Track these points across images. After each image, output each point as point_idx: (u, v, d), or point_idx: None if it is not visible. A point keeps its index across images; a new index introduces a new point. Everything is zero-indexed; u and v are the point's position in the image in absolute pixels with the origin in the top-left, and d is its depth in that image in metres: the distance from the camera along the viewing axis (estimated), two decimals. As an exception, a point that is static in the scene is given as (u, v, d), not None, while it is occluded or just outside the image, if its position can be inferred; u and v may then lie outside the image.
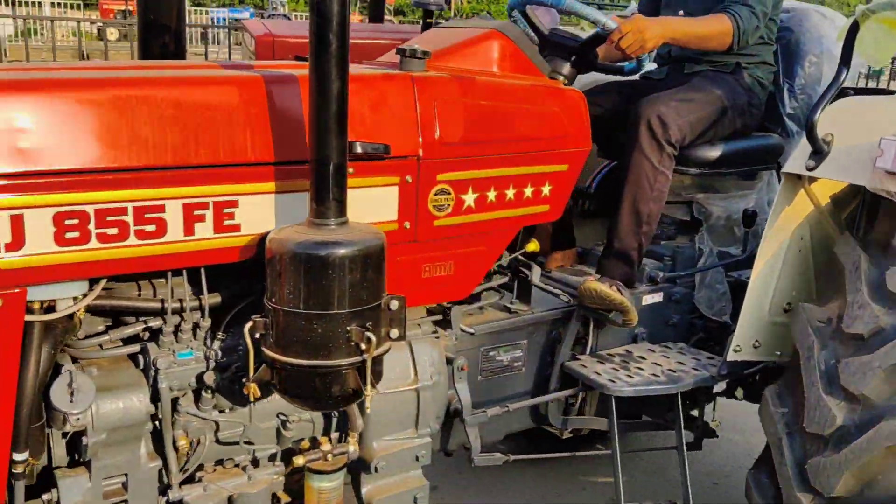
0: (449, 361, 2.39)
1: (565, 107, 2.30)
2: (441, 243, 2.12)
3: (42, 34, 16.18)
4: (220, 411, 1.99)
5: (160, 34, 2.50)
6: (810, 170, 2.40)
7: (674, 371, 2.64)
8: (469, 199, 2.12)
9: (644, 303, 2.86)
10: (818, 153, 2.39)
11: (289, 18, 18.99)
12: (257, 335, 1.75)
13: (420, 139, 1.99)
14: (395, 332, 1.78)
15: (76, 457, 1.86)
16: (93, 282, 1.74)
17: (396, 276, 2.08)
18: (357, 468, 2.24)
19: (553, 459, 3.32)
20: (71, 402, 1.68)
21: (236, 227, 1.79)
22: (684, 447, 2.66)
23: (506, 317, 2.58)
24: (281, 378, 1.75)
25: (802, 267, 2.60)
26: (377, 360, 1.74)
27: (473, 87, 2.11)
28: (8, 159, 1.53)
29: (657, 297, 2.89)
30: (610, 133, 2.79)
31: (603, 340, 2.80)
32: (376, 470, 2.24)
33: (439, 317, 2.39)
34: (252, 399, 1.81)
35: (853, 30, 2.33)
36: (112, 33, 15.97)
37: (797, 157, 2.45)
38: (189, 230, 1.73)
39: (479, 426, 2.48)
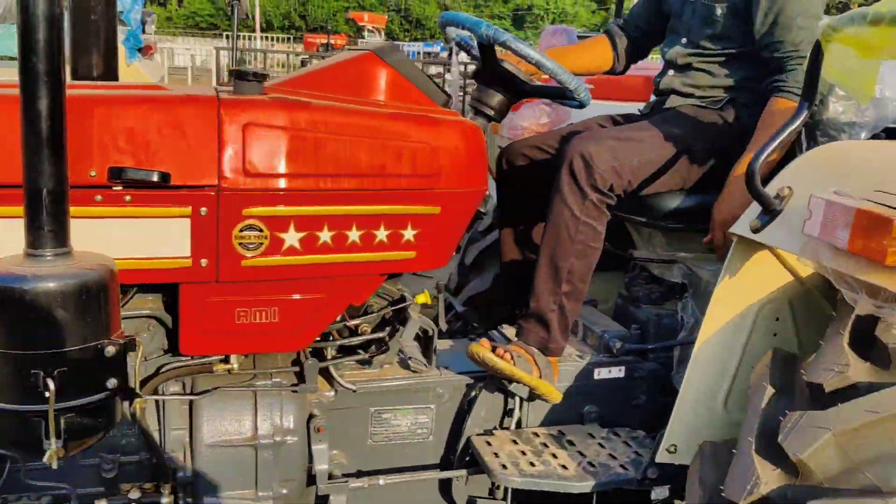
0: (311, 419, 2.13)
1: (441, 140, 1.96)
2: (255, 287, 1.87)
3: (252, 64, 17.66)
4: None
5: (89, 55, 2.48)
6: (755, 231, 1.88)
7: (594, 465, 2.17)
8: (291, 238, 1.85)
9: (596, 377, 2.41)
10: (769, 212, 1.86)
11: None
12: None
13: (220, 168, 1.77)
14: (112, 382, 1.56)
15: None
16: None
17: (203, 319, 1.87)
18: None
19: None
20: None
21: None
22: None
23: (404, 375, 2.27)
24: None
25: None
26: (71, 412, 1.53)
27: (304, 112, 1.84)
28: None
29: (616, 372, 2.42)
30: None
31: (538, 416, 2.38)
32: None
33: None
34: None
35: (815, 52, 1.80)
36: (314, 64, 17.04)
37: (748, 215, 1.93)
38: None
39: (347, 496, 2.17)
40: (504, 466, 2.13)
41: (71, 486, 1.97)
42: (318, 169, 1.85)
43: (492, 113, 2.24)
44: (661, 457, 2.06)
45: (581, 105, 2.24)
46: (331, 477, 2.13)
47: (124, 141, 1.71)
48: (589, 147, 2.12)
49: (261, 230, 1.82)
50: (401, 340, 2.22)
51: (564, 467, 2.15)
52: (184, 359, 2.01)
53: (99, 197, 1.71)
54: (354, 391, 2.17)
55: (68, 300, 1.48)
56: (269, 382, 2.08)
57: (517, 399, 2.31)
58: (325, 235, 1.88)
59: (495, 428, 2.35)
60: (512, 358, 2.12)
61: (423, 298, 2.18)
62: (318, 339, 2.09)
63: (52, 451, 1.49)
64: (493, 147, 2.96)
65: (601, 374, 2.40)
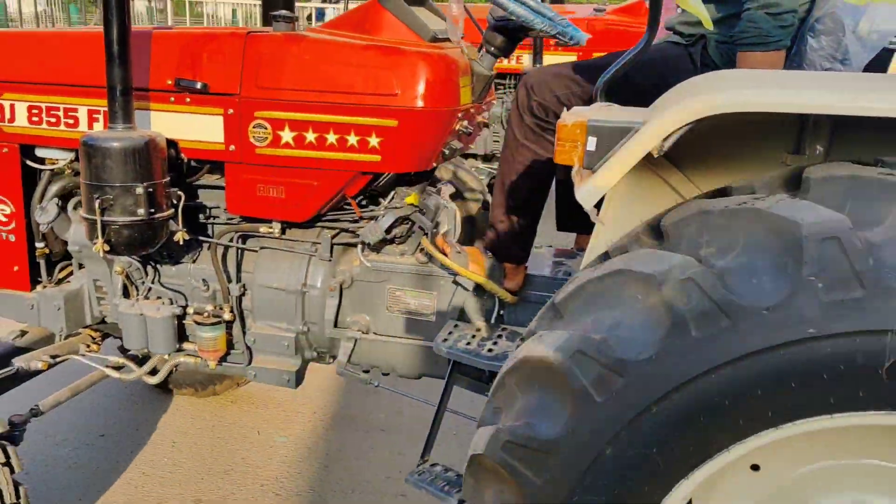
0: None
1: (401, 67, 2.49)
2: (268, 170, 2.64)
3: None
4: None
5: None
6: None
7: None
8: (286, 135, 2.58)
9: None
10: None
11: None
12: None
13: (241, 82, 2.58)
14: (142, 211, 2.48)
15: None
16: None
17: (237, 189, 2.73)
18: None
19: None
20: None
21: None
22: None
23: (413, 263, 2.82)
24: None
25: None
26: (114, 224, 2.48)
27: (302, 44, 2.55)
28: None
29: None
30: None
31: (518, 318, 2.71)
32: (254, 343, 2.90)
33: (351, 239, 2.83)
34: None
35: (652, -20, 1.90)
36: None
37: None
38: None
39: (353, 344, 2.82)
40: (444, 340, 2.57)
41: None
42: (306, 85, 2.55)
43: (496, 51, 2.66)
44: None
45: (577, 43, 2.51)
46: (344, 327, 2.82)
47: (187, 61, 2.63)
48: (533, 77, 2.41)
49: (266, 128, 2.60)
50: (425, 238, 2.78)
51: (490, 350, 2.51)
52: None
53: (172, 98, 2.66)
54: (369, 267, 2.80)
55: (121, 154, 2.45)
56: (306, 247, 2.84)
57: (496, 299, 2.69)
58: (311, 136, 2.57)
59: (485, 320, 2.76)
60: (452, 252, 2.54)
61: (411, 199, 2.71)
62: (333, 222, 2.79)
63: (98, 245, 2.49)
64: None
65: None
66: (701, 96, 1.52)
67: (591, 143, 1.57)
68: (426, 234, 2.77)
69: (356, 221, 2.81)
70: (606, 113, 1.67)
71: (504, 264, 2.60)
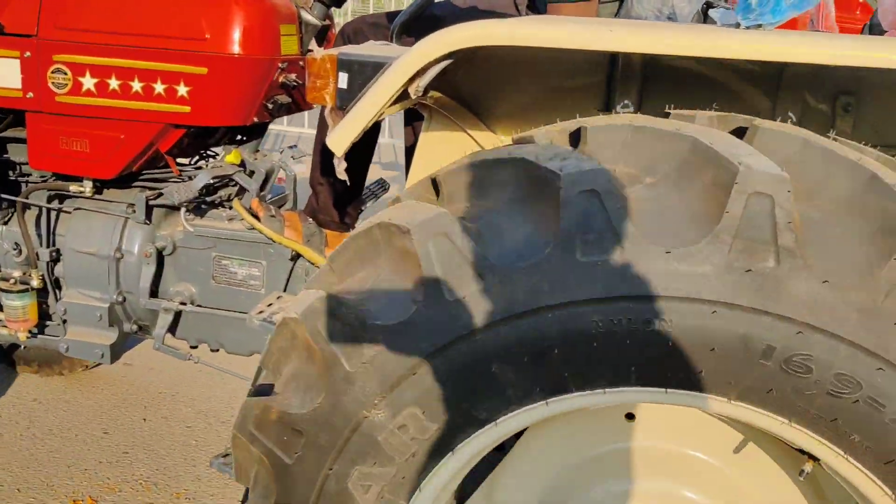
0: None
1: (210, 12, 2.27)
2: (70, 120, 2.40)
3: None
4: None
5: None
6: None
7: None
8: (88, 82, 2.34)
9: None
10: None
11: None
12: None
13: (38, 22, 2.33)
14: None
15: None
16: None
17: (38, 141, 2.47)
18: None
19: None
20: None
21: None
22: None
23: (241, 229, 2.61)
24: None
25: None
26: None
27: (105, -17, 2.32)
28: None
29: None
30: None
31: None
32: (66, 313, 2.65)
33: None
34: None
35: None
36: None
37: None
38: None
39: (173, 316, 2.60)
40: (260, 312, 2.38)
41: None
42: (108, 27, 2.31)
43: (327, 1, 2.45)
44: None
45: None
46: (167, 298, 2.60)
47: (-20, 0, 2.37)
48: (351, 27, 2.24)
49: (66, 73, 2.35)
50: (254, 199, 2.56)
51: None
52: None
53: (-34, 39, 2.40)
54: (192, 233, 2.58)
55: None
56: (122, 209, 2.60)
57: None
58: (114, 83, 2.34)
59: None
60: (265, 216, 2.34)
61: (231, 158, 2.50)
62: (151, 181, 2.56)
63: None
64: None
65: None
66: (453, 32, 1.35)
67: (343, 79, 1.39)
68: (239, 197, 2.57)
69: (181, 181, 2.58)
70: (362, 48, 1.49)
71: (325, 231, 2.41)
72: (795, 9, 1.38)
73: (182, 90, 2.32)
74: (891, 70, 1.35)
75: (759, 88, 1.66)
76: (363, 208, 2.83)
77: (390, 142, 8.19)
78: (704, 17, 2.08)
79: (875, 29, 4.35)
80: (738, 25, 1.56)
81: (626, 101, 1.71)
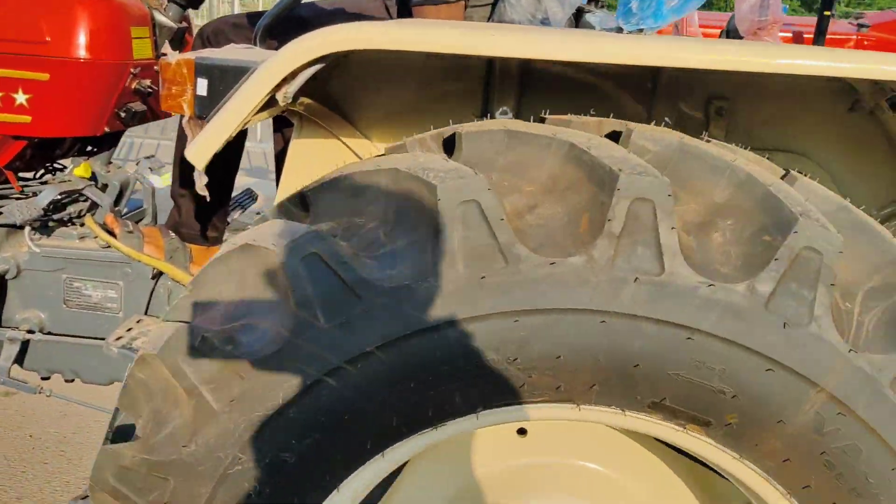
0: None
1: (53, 14, 2.07)
2: None
3: None
4: None
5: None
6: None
7: None
8: None
9: None
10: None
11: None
12: None
13: None
14: None
15: None
16: None
17: None
18: None
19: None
20: None
21: None
22: None
23: (94, 248, 2.39)
24: None
25: None
26: None
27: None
28: None
29: None
30: None
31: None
32: None
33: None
34: None
35: None
36: None
37: None
38: None
39: (20, 346, 2.36)
40: (119, 338, 2.19)
41: None
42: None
43: (184, 1, 2.29)
44: None
45: None
46: (10, 326, 2.35)
47: None
48: (210, 27, 2.11)
49: None
50: (106, 216, 2.35)
51: None
52: None
53: None
54: (39, 253, 2.34)
55: None
56: None
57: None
58: (-58, 91, 2.09)
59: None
60: (122, 232, 2.16)
61: (81, 171, 2.29)
62: None
63: None
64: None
65: None
66: (325, 34, 1.24)
67: (202, 85, 1.26)
68: (91, 213, 2.36)
69: (24, 198, 2.34)
70: (222, 51, 1.36)
71: (189, 246, 2.24)
72: (676, 13, 1.36)
73: (21, 98, 2.09)
74: (761, 74, 1.35)
75: (635, 94, 1.65)
76: (230, 220, 2.66)
77: (260, 147, 7.92)
78: (577, 22, 2.07)
79: (732, 34, 4.53)
80: (619, 30, 1.53)
81: (504, 108, 1.65)
